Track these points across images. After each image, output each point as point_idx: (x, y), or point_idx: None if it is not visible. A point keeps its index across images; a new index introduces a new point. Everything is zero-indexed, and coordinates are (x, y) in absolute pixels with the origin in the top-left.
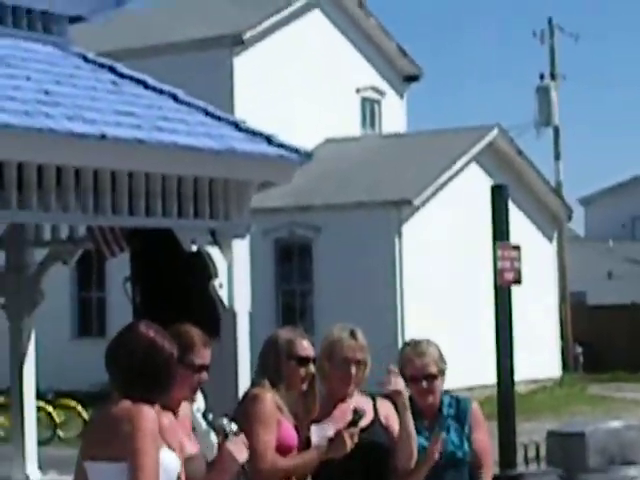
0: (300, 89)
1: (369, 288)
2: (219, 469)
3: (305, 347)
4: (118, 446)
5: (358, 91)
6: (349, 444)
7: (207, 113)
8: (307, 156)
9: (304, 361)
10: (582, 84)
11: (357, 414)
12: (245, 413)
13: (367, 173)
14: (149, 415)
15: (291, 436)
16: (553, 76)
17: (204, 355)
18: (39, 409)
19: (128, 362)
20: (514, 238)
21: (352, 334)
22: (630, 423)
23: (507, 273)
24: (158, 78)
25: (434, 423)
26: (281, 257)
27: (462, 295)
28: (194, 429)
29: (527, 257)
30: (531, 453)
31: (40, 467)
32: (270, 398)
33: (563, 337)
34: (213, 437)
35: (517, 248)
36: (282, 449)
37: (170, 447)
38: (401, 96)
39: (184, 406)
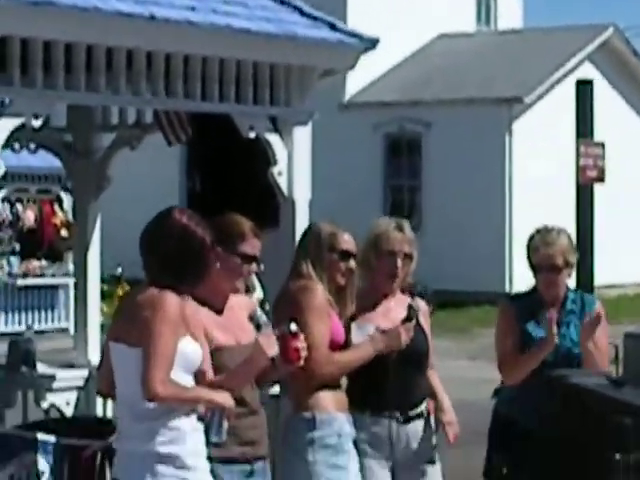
0: None
1: (477, 184)
2: (247, 361)
3: (347, 241)
4: (137, 332)
5: None
6: (404, 339)
7: None
8: (372, 43)
9: (345, 255)
10: None
11: (413, 309)
12: (296, 303)
13: (479, 69)
14: (171, 301)
15: (340, 332)
16: None
17: (255, 245)
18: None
19: (161, 247)
20: (627, 138)
21: (399, 226)
22: None
23: (589, 171)
24: None
25: (557, 317)
26: (390, 152)
27: (571, 194)
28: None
29: None
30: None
31: None
32: (321, 290)
33: None
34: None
35: (601, 145)
36: (332, 345)
37: (195, 338)
38: None
39: (239, 298)
